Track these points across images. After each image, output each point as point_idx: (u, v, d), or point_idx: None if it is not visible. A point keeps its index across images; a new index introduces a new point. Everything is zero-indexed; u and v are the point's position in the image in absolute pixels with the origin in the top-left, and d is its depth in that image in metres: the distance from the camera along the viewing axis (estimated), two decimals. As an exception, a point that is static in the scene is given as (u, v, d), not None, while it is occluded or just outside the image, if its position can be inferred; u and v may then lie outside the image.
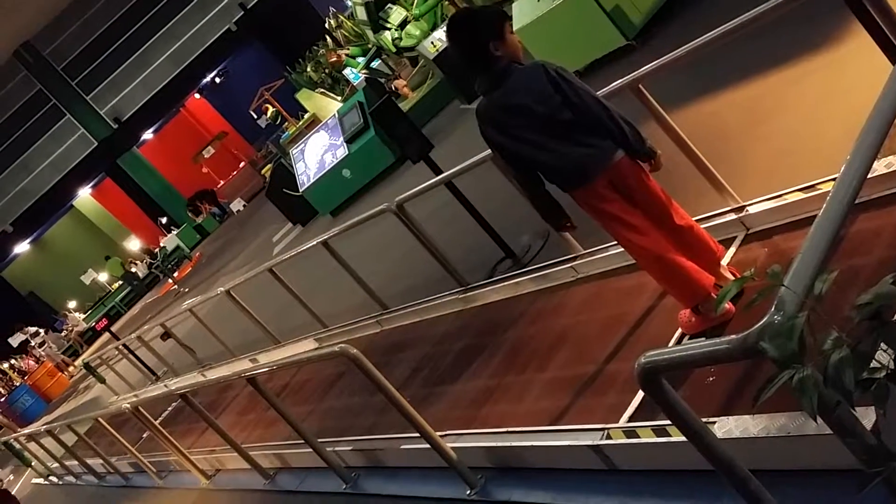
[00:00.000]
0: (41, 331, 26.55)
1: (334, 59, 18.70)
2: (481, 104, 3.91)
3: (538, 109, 3.74)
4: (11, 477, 17.55)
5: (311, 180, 14.64)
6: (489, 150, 4.55)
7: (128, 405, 7.95)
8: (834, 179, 2.11)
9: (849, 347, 1.63)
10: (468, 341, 5.99)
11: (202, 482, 7.84)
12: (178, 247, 26.85)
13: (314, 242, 7.78)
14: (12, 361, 26.14)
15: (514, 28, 9.45)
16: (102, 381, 16.77)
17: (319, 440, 5.73)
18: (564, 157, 3.77)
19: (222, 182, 30.58)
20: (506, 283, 6.11)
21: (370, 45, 16.87)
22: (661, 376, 2.20)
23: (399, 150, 12.38)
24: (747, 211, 4.40)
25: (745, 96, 5.91)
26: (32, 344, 25.84)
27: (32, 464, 14.17)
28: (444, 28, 4.17)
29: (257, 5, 28.91)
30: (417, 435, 4.47)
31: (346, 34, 18.19)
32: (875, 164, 3.57)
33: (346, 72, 18.31)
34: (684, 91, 6.30)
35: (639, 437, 3.48)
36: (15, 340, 25.74)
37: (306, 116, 20.83)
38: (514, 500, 4.05)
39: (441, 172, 6.60)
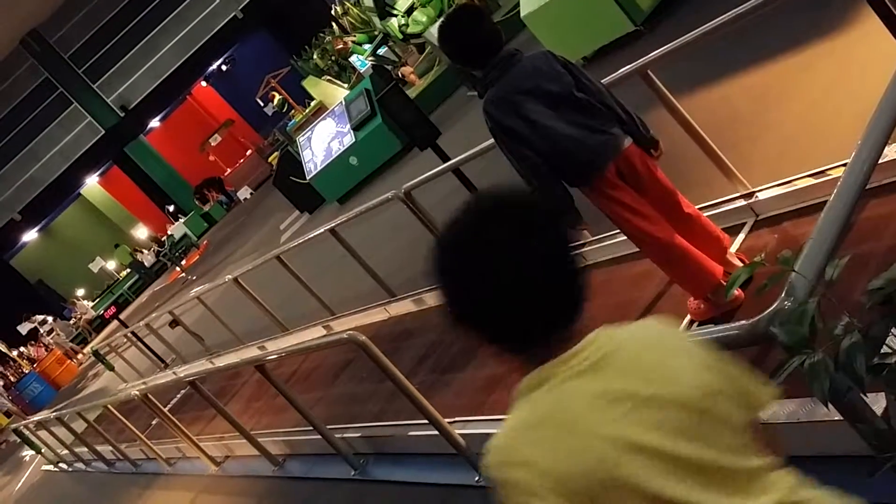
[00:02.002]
0: (49, 319, 26.66)
1: (341, 46, 18.66)
2: (491, 94, 3.76)
3: (552, 88, 3.69)
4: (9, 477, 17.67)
5: (318, 168, 14.64)
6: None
7: (137, 392, 7.99)
8: (844, 165, 2.10)
9: (860, 333, 1.62)
10: (476, 328, 5.98)
11: (211, 469, 7.87)
12: (185, 235, 26.90)
13: (322, 230, 7.78)
14: (21, 349, 26.27)
15: (522, 14, 9.46)
16: (111, 368, 16.84)
17: (328, 427, 5.75)
18: (580, 145, 3.70)
19: (229, 170, 30.59)
20: (514, 270, 6.09)
21: (377, 32, 16.83)
22: (670, 362, 2.19)
23: (406, 138, 12.37)
24: (757, 197, 4.38)
25: (755, 82, 5.88)
26: (41, 332, 25.96)
27: (42, 450, 14.25)
28: (450, 18, 3.90)
29: (263, -8, 28.90)
30: (426, 421, 4.47)
31: (353, 21, 18.14)
32: (886, 150, 3.55)
33: (353, 59, 18.26)
34: (693, 77, 6.28)
35: (647, 423, 3.47)
36: (24, 328, 25.86)
37: (313, 104, 20.81)
38: (523, 487, 4.05)
39: (448, 159, 6.59)
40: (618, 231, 4.97)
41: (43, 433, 13.47)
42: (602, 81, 3.99)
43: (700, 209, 4.29)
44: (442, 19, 3.98)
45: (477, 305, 1.51)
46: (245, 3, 29.02)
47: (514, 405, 1.49)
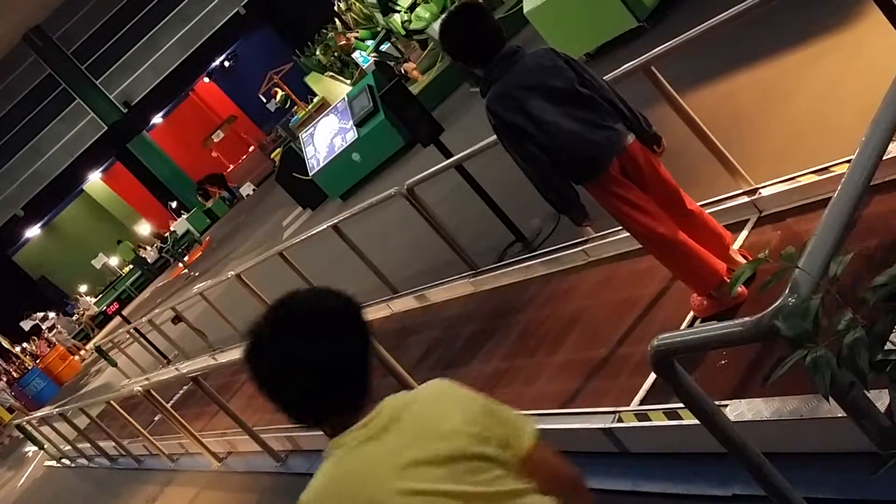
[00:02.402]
0: (51, 314, 26.68)
1: (343, 42, 18.63)
2: (494, 90, 3.76)
3: (556, 84, 3.68)
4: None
5: (321, 164, 14.63)
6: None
7: (140, 388, 8.00)
8: (848, 161, 2.10)
9: (864, 329, 1.62)
10: (479, 325, 5.99)
11: (214, 465, 7.88)
12: (188, 231, 26.90)
13: (324, 226, 7.78)
14: (24, 345, 26.30)
15: (525, 10, 9.44)
16: (114, 364, 16.87)
17: (330, 423, 5.75)
18: (583, 140, 3.69)
19: (232, 166, 30.59)
20: (516, 267, 6.10)
21: (379, 28, 16.81)
22: (674, 359, 2.19)
23: (409, 134, 12.36)
24: (760, 193, 4.38)
25: (759, 78, 5.87)
26: (44, 328, 25.99)
27: (45, 446, 14.29)
28: (450, 18, 3.88)
29: (265, -12, 28.89)
30: (428, 418, 4.46)
31: (356, 17, 18.12)
32: (890, 146, 3.55)
33: (356, 55, 18.23)
34: (696, 73, 6.26)
35: (650, 420, 3.48)
36: (26, 325, 25.89)
37: (315, 100, 20.78)
38: (525, 483, 4.05)
39: (451, 156, 6.58)
40: (621, 227, 4.96)
41: (46, 429, 13.50)
42: (605, 78, 3.99)
43: (703, 206, 4.29)
44: (443, 18, 3.96)
45: (275, 398, 1.78)
46: (247, -1, 29.03)
47: (321, 465, 1.78)
